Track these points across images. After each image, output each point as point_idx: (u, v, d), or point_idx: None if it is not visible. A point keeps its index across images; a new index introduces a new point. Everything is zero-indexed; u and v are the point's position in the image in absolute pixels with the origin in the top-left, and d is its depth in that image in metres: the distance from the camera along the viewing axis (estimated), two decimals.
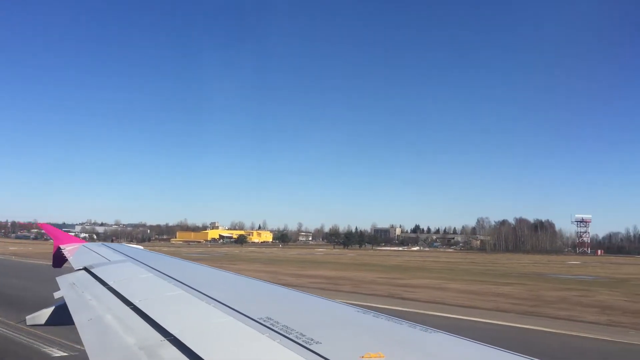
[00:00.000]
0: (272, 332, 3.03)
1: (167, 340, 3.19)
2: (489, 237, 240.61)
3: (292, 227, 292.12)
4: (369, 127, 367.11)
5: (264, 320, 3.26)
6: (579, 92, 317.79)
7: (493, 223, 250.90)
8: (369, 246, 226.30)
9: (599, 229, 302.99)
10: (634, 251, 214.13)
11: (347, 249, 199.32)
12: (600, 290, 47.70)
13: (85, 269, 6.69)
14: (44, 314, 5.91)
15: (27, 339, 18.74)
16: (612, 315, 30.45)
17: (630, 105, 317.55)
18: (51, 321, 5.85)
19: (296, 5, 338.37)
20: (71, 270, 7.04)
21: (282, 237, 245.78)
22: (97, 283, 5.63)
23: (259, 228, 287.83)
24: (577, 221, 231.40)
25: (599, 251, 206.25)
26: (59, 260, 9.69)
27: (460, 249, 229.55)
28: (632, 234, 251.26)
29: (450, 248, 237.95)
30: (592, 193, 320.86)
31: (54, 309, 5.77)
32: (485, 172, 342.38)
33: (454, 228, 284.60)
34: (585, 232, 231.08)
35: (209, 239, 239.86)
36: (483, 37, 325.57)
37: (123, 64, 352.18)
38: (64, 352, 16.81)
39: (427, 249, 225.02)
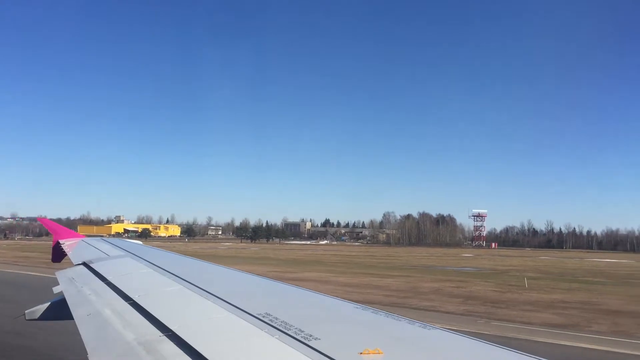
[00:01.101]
0: (271, 327, 3.03)
1: (166, 335, 3.17)
2: (394, 231, 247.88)
3: (202, 221, 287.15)
4: (277, 122, 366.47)
5: (263, 316, 3.27)
6: (466, 90, 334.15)
7: (399, 217, 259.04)
8: (276, 240, 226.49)
9: (498, 223, 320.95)
10: (527, 244, 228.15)
11: (254, 243, 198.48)
12: (476, 281, 50.19)
13: (85, 263, 6.64)
14: (43, 309, 5.87)
15: None
16: (471, 305, 31.93)
17: (522, 107, 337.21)
18: (50, 316, 5.82)
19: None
20: (70, 264, 6.96)
21: (189, 231, 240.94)
22: (96, 278, 5.59)
23: (167, 222, 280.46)
24: (474, 216, 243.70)
25: (493, 244, 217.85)
26: (58, 254, 9.64)
27: (367, 243, 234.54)
28: (526, 228, 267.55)
29: (357, 242, 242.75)
30: (491, 189, 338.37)
31: (53, 303, 5.73)
32: (394, 167, 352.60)
33: (363, 222, 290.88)
34: (482, 226, 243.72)
35: (112, 232, 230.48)
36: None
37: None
38: None
39: (334, 242, 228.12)
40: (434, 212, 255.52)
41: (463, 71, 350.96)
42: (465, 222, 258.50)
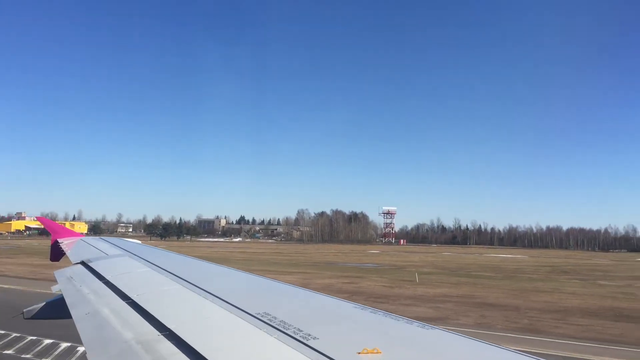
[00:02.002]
0: (270, 327, 2.99)
1: (165, 334, 3.12)
2: (307, 228, 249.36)
3: (112, 218, 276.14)
4: (195, 120, 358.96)
5: (262, 316, 3.23)
6: (377, 86, 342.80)
7: (313, 215, 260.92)
8: (188, 237, 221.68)
9: (409, 221, 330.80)
10: (435, 241, 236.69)
11: (164, 240, 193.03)
12: (371, 277, 51.29)
13: (83, 262, 6.59)
14: (42, 308, 5.88)
15: None
16: (354, 301, 32.33)
17: (431, 107, 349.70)
18: (48, 315, 5.84)
19: None
20: (69, 264, 6.91)
21: (95, 229, 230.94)
22: (95, 277, 5.52)
23: (74, 219, 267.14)
24: (384, 213, 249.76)
25: (402, 241, 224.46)
26: (57, 253, 9.54)
27: (281, 240, 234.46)
28: (435, 225, 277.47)
29: (272, 239, 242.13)
30: (404, 187, 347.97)
31: (52, 302, 5.73)
32: (310, 165, 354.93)
33: (278, 219, 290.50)
34: (391, 223, 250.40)
35: (12, 230, 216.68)
36: None
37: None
38: None
39: (248, 240, 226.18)
40: (347, 210, 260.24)
41: (380, 71, 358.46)
42: (378, 219, 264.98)
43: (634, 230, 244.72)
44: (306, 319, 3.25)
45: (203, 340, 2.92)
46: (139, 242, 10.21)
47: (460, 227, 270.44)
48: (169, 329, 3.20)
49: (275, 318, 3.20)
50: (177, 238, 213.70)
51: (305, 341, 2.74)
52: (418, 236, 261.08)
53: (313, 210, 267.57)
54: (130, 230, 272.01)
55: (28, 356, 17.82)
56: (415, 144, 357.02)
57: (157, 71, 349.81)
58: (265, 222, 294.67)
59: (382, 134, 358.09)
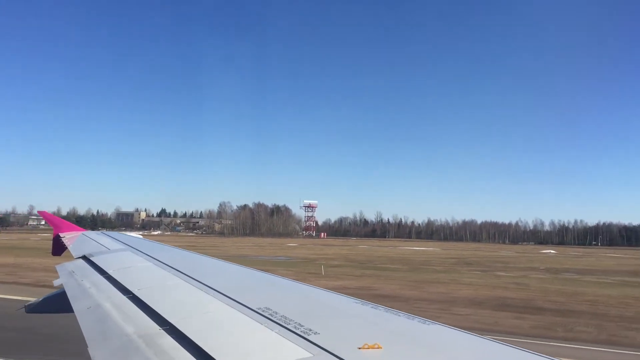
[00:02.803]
0: (271, 322, 3.01)
1: (166, 329, 3.15)
2: (229, 221, 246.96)
3: (23, 210, 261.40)
4: (110, 109, 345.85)
5: (263, 310, 3.25)
6: (299, 81, 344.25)
7: (235, 207, 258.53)
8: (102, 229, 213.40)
9: (332, 214, 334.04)
10: (357, 234, 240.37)
11: None
12: (278, 270, 50.35)
13: (85, 257, 6.62)
14: (43, 302, 6.03)
15: None
16: None
17: (349, 102, 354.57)
18: (50, 309, 5.93)
19: None
20: (71, 258, 6.93)
21: (2, 221, 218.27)
22: (96, 271, 5.55)
23: None
24: (305, 206, 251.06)
25: (322, 234, 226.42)
26: (59, 248, 9.56)
27: (202, 233, 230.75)
28: (358, 218, 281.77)
29: (193, 232, 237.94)
30: (328, 181, 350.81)
31: (53, 296, 5.80)
32: (236, 157, 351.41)
33: (200, 212, 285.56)
34: (312, 216, 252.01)
35: None
36: None
37: None
38: None
39: (167, 233, 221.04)
40: (270, 203, 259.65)
41: (293, 64, 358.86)
42: (301, 212, 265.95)
43: (542, 224, 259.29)
44: (307, 314, 3.25)
45: (204, 335, 2.93)
46: (141, 236, 10.47)
47: (382, 220, 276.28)
48: (170, 323, 3.20)
49: (276, 313, 3.20)
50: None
51: (306, 336, 2.72)
52: (341, 229, 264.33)
53: (235, 203, 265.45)
54: (43, 223, 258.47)
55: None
56: (338, 138, 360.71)
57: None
58: (187, 215, 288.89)
59: (306, 127, 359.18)
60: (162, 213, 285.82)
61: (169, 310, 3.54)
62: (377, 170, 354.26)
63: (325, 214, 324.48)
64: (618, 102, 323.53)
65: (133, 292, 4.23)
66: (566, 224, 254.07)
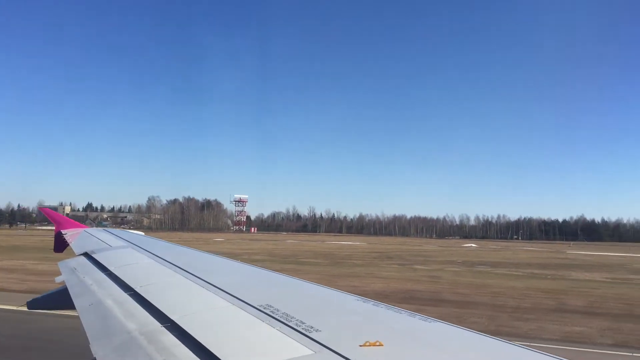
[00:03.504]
0: (272, 319, 3.03)
1: (168, 326, 3.16)
2: (158, 216, 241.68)
3: None
4: (29, 101, 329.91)
5: (264, 308, 3.27)
6: (211, 73, 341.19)
7: (165, 202, 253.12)
8: (22, 225, 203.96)
9: (266, 209, 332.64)
10: (289, 229, 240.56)
11: None
12: None
13: (87, 254, 6.67)
14: (45, 298, 6.30)
15: None
16: None
17: (281, 95, 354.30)
18: (52, 305, 6.27)
19: None
20: (72, 255, 6.98)
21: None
22: (98, 268, 5.56)
23: None
24: (235, 201, 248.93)
25: (253, 229, 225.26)
26: (60, 244, 9.59)
27: (130, 228, 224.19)
28: (291, 213, 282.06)
29: (120, 227, 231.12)
30: (261, 175, 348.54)
31: (55, 293, 5.92)
32: (165, 150, 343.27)
33: (129, 207, 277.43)
34: (242, 210, 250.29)
35: None
36: None
37: None
38: None
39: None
40: (201, 197, 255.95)
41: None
42: (233, 207, 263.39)
43: (468, 218, 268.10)
44: (308, 311, 3.25)
45: (206, 332, 2.92)
46: (142, 233, 10.25)
47: (314, 215, 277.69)
48: (172, 320, 3.19)
49: (277, 310, 3.19)
50: (10, 226, 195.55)
51: (307, 333, 2.72)
52: (273, 224, 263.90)
53: (165, 197, 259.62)
54: None
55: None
56: (272, 133, 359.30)
57: None
58: (115, 210, 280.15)
59: (239, 121, 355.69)
60: (89, 207, 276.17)
61: (170, 307, 3.54)
62: (311, 165, 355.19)
63: (259, 208, 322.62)
64: (537, 103, 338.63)
65: (135, 289, 4.24)
66: (490, 219, 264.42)
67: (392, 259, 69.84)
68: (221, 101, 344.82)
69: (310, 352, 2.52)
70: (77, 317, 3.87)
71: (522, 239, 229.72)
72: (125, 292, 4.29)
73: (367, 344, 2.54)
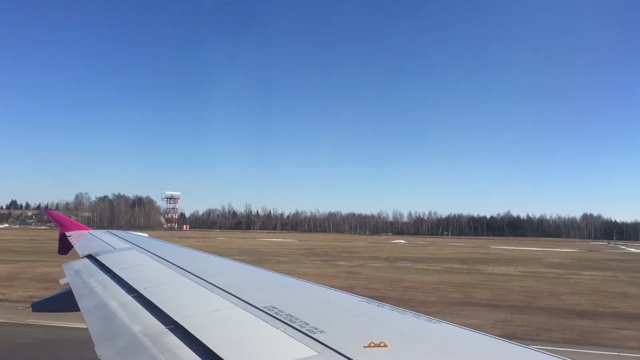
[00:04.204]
0: (276, 320, 3.03)
1: (172, 327, 3.17)
2: (87, 214, 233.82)
3: None
4: None
5: (268, 309, 3.27)
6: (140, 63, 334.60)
7: (94, 199, 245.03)
8: None
9: (201, 206, 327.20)
10: (223, 226, 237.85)
11: None
12: None
13: (91, 256, 6.71)
14: (50, 301, 6.42)
15: None
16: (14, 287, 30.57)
17: (210, 96, 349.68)
18: (57, 307, 6.29)
19: None
20: (77, 257, 7.00)
21: None
22: (102, 270, 5.58)
23: None
24: (167, 197, 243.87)
25: (185, 226, 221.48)
26: (64, 247, 9.64)
27: (56, 226, 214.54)
28: (227, 210, 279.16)
29: (46, 225, 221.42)
30: (197, 172, 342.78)
31: (60, 295, 5.98)
32: (95, 146, 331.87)
33: (56, 204, 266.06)
34: (174, 208, 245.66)
35: None
36: None
37: None
38: None
39: (17, 226, 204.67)
40: (132, 194, 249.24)
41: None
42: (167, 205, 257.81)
43: (401, 215, 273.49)
44: (313, 313, 3.22)
45: (210, 334, 2.91)
46: (146, 235, 10.21)
47: (250, 212, 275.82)
48: (176, 322, 3.19)
49: (281, 311, 3.18)
50: None
51: (311, 334, 2.72)
52: (208, 221, 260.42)
53: (94, 194, 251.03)
54: None
55: None
56: (208, 129, 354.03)
57: None
58: (42, 207, 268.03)
59: (174, 117, 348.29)
60: (12, 205, 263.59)
61: (175, 308, 3.51)
62: (249, 163, 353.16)
63: (195, 205, 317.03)
64: (467, 101, 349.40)
65: (139, 290, 4.23)
66: (421, 216, 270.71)
67: (318, 255, 69.91)
68: (152, 96, 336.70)
69: (314, 353, 2.50)
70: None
71: (452, 235, 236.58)
72: (129, 294, 4.29)
73: (372, 345, 2.52)
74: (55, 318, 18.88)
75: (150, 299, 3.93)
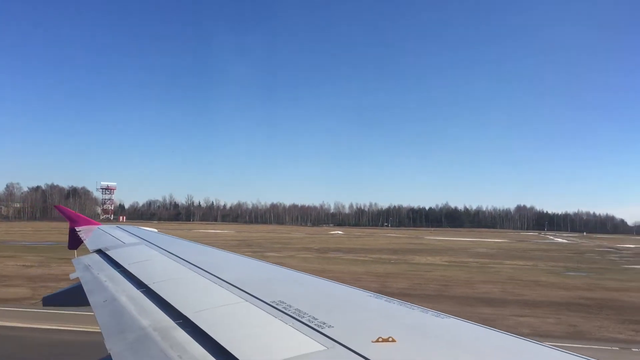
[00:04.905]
0: (285, 315, 3.04)
1: (181, 322, 3.19)
2: (18, 205, 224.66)
3: None
4: None
5: (277, 304, 3.28)
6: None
7: (26, 189, 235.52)
8: None
9: (142, 197, 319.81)
10: (162, 217, 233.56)
11: None
12: (24, 256, 46.74)
13: (100, 251, 6.79)
14: (60, 295, 6.60)
15: None
16: None
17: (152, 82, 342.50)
18: (67, 302, 6.36)
19: None
20: (86, 252, 7.05)
21: None
22: (112, 265, 5.67)
23: None
24: (102, 188, 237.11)
25: (121, 217, 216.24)
26: (74, 242, 9.72)
27: None
28: (168, 201, 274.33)
29: None
30: (136, 163, 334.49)
31: (70, 289, 6.07)
32: (28, 133, 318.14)
33: None
34: (110, 199, 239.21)
35: None
36: None
37: None
38: None
39: None
40: (67, 185, 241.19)
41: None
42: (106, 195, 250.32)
43: (343, 207, 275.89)
44: (321, 307, 3.21)
45: (219, 328, 2.90)
46: (155, 230, 10.34)
47: (192, 203, 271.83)
48: (185, 316, 3.20)
49: (290, 306, 3.18)
50: None
51: (320, 329, 2.71)
52: (148, 213, 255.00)
53: (26, 184, 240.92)
54: None
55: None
56: (146, 120, 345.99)
57: None
58: None
59: (126, 107, 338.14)
60: None
61: (183, 303, 3.51)
62: (189, 153, 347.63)
63: (135, 196, 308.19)
64: (400, 98, 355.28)
65: (148, 285, 4.24)
66: (362, 207, 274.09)
67: (251, 247, 69.44)
68: (90, 80, 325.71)
69: (322, 347, 2.48)
70: None
71: (392, 226, 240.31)
72: (139, 288, 4.28)
73: (380, 339, 2.50)
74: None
75: (160, 294, 3.93)
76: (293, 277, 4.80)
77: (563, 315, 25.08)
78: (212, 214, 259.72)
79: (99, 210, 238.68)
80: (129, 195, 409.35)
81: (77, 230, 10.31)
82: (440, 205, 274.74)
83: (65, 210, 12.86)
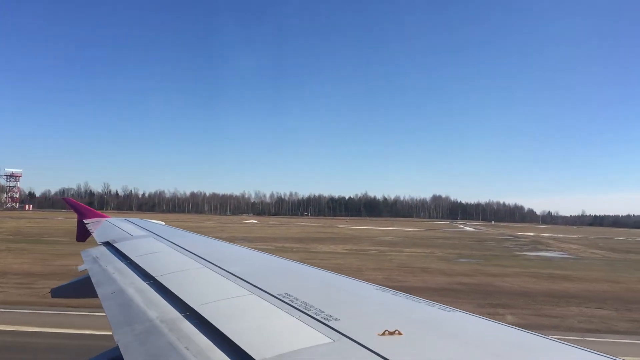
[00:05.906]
0: (291, 307, 3.07)
1: (188, 314, 3.22)
2: None
3: None
4: None
5: (283, 296, 3.31)
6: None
7: None
8: None
9: (55, 185, 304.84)
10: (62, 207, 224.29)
11: None
12: None
13: (108, 243, 6.85)
14: (68, 287, 6.46)
15: None
16: None
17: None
18: (75, 293, 6.36)
19: None
20: (95, 244, 7.15)
21: None
22: (120, 257, 5.70)
23: None
24: (7, 175, 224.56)
25: (27, 206, 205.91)
26: (83, 234, 9.99)
27: None
28: (83, 189, 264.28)
29: None
30: (49, 147, 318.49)
31: (78, 281, 6.05)
32: None
33: None
34: (15, 186, 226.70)
35: None
36: None
37: None
38: None
39: None
40: None
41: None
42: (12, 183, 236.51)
43: (264, 196, 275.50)
44: (327, 300, 3.25)
45: (226, 320, 2.92)
46: (163, 223, 10.21)
47: (109, 192, 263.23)
48: (192, 308, 3.23)
49: (296, 299, 3.22)
50: None
51: (326, 322, 2.74)
52: (60, 201, 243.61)
53: None
54: None
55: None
56: (65, 106, 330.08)
57: None
58: None
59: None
60: None
61: (190, 295, 3.54)
62: (105, 143, 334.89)
63: (45, 183, 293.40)
64: (343, 88, 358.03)
65: (156, 277, 4.27)
66: (282, 196, 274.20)
67: None
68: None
69: (329, 340, 2.50)
70: None
71: (311, 215, 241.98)
72: (146, 280, 4.30)
73: (386, 333, 2.53)
74: None
75: (167, 286, 3.93)
76: (300, 270, 4.84)
77: (429, 299, 25.70)
78: (127, 203, 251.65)
79: (4, 197, 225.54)
80: (41, 184, 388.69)
81: (85, 222, 10.49)
82: (359, 194, 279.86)
83: (74, 202, 12.83)
